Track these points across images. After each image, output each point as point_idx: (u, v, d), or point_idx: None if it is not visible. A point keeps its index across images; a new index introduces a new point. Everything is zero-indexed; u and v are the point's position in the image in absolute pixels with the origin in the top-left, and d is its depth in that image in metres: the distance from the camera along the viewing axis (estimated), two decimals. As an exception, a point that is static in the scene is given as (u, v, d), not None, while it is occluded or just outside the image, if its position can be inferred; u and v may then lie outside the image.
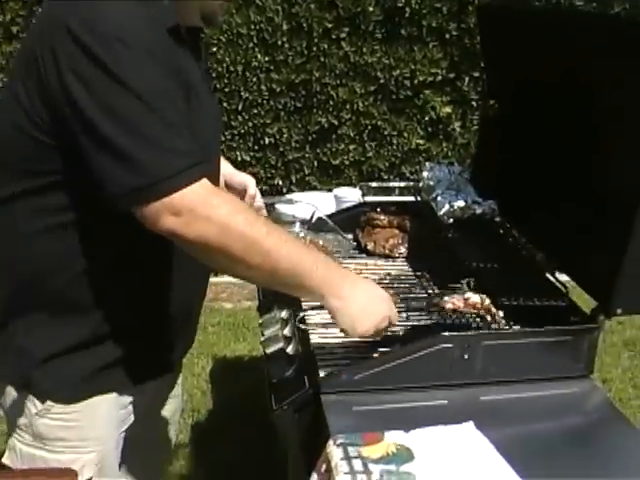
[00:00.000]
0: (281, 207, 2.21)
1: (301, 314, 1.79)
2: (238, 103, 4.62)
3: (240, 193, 1.88)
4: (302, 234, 2.12)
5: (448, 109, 4.73)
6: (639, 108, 1.54)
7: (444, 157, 4.85)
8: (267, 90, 4.62)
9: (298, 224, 2.15)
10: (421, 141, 4.82)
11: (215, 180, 1.54)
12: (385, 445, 1.37)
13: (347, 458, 1.33)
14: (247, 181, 1.93)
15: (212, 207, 1.33)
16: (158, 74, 1.32)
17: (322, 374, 1.57)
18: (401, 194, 2.79)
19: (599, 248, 1.64)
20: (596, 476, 1.37)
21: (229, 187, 1.87)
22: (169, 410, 1.91)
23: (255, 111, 4.67)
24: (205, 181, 1.34)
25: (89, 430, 1.57)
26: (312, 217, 2.13)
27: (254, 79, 4.59)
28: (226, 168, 1.89)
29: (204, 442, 3.10)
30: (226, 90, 4.55)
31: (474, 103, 4.73)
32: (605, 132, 1.71)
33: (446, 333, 1.58)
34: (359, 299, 1.50)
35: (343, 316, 1.49)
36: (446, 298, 1.68)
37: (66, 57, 1.28)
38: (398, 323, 1.62)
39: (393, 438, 1.39)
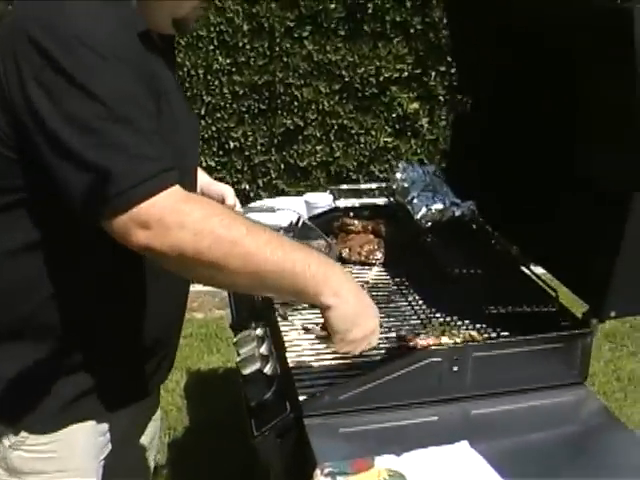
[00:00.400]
0: (261, 216, 2.13)
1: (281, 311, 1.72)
2: (200, 107, 4.52)
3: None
4: None
5: (415, 105, 4.66)
6: (624, 94, 1.47)
7: (413, 154, 4.80)
8: (230, 93, 4.52)
9: (282, 233, 2.06)
10: (389, 139, 4.74)
11: (192, 191, 1.47)
12: (376, 472, 1.29)
13: (337, 489, 1.24)
14: (225, 191, 1.87)
15: (183, 214, 1.23)
16: (126, 78, 1.24)
17: (303, 396, 1.49)
18: (373, 196, 2.69)
19: (590, 249, 1.57)
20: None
21: (206, 197, 1.78)
22: (149, 434, 1.85)
23: (218, 115, 4.57)
24: (176, 188, 1.25)
25: (67, 461, 1.50)
26: (297, 223, 2.04)
27: (216, 82, 4.49)
28: (202, 178, 1.82)
29: (182, 461, 3.00)
30: (188, 94, 4.44)
31: (441, 98, 4.67)
32: (589, 123, 1.64)
33: (433, 347, 1.50)
34: (356, 301, 1.37)
35: (338, 316, 1.35)
36: (422, 337, 1.59)
37: (28, 65, 1.21)
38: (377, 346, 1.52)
39: (384, 463, 1.31)
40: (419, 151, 4.80)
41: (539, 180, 1.83)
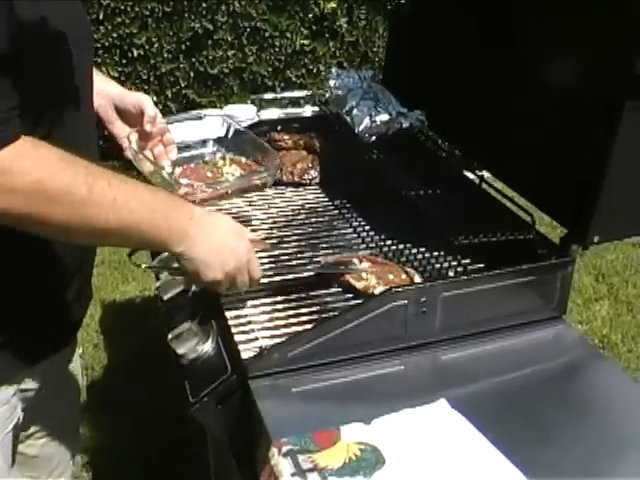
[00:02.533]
0: (186, 125, 1.88)
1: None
2: (98, 12, 4.11)
3: (136, 116, 1.60)
4: (219, 154, 1.84)
5: (333, 4, 4.40)
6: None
7: (331, 57, 4.57)
8: (130, -6, 4.12)
9: (211, 142, 1.88)
10: (306, 41, 4.48)
11: (88, 98, 1.34)
12: (344, 446, 1.09)
13: (300, 472, 1.04)
14: (143, 101, 1.62)
15: (17, 176, 1.07)
16: None
17: (245, 353, 1.28)
18: (300, 106, 2.42)
19: (569, 165, 1.36)
20: (589, 429, 1.19)
21: (121, 111, 1.61)
22: (69, 390, 1.63)
23: (119, 19, 4.18)
24: (12, 147, 1.06)
25: None
26: (228, 134, 1.88)
27: (113, -18, 4.08)
28: (113, 88, 1.60)
29: (103, 405, 2.75)
30: (82, -3, 4.01)
31: (360, -5, 4.39)
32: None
33: (399, 288, 1.27)
34: (208, 242, 1.27)
35: (190, 261, 1.26)
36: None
37: None
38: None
39: (352, 435, 1.11)
40: (338, 54, 4.57)
41: (499, 82, 1.60)
